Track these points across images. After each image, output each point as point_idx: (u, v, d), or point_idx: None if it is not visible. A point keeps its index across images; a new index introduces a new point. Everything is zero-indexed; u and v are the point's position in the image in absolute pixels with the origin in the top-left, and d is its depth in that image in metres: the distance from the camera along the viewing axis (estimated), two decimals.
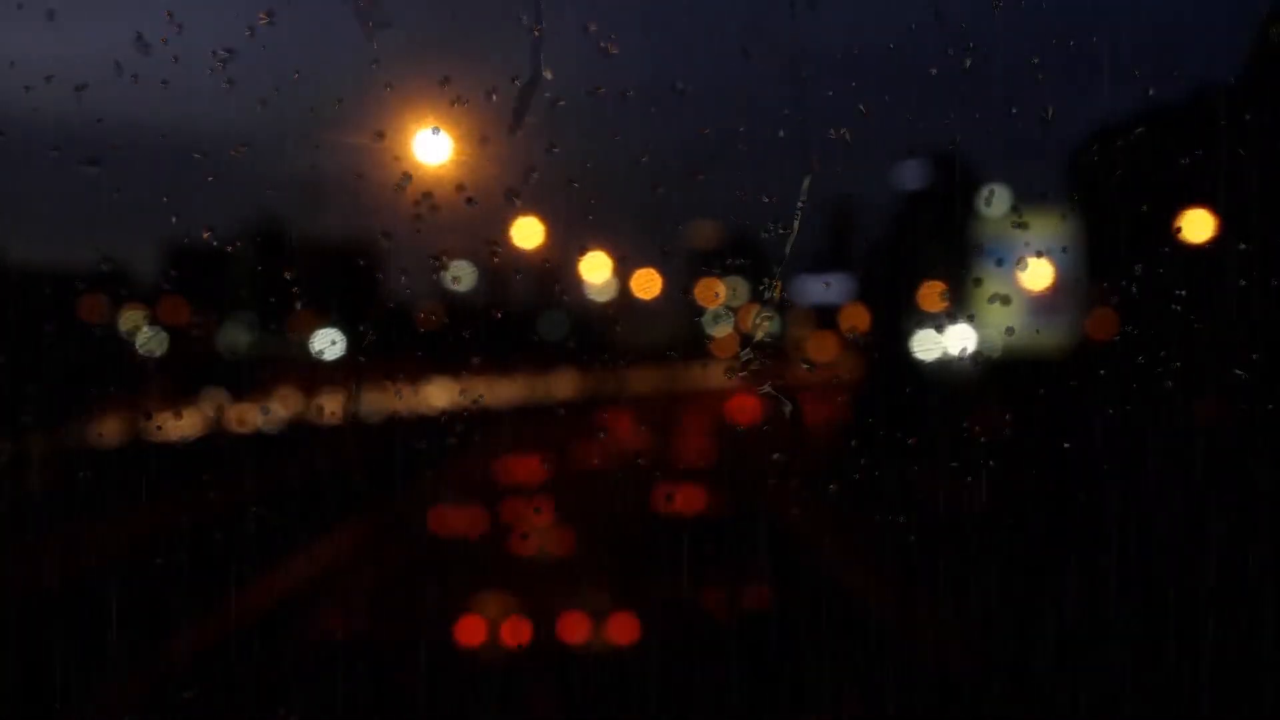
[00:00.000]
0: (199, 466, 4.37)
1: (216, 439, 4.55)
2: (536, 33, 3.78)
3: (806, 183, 4.12)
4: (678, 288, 4.68)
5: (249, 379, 4.91)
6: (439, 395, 5.00)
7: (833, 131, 4.06)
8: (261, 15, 3.76)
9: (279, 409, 4.76)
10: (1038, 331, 4.74)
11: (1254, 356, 4.13)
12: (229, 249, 4.20)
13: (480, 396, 4.41)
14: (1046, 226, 4.57)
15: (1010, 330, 4.34)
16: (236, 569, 3.70)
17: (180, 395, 4.78)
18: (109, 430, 4.85)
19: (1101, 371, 4.33)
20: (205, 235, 4.05)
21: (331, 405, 4.93)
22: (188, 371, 4.69)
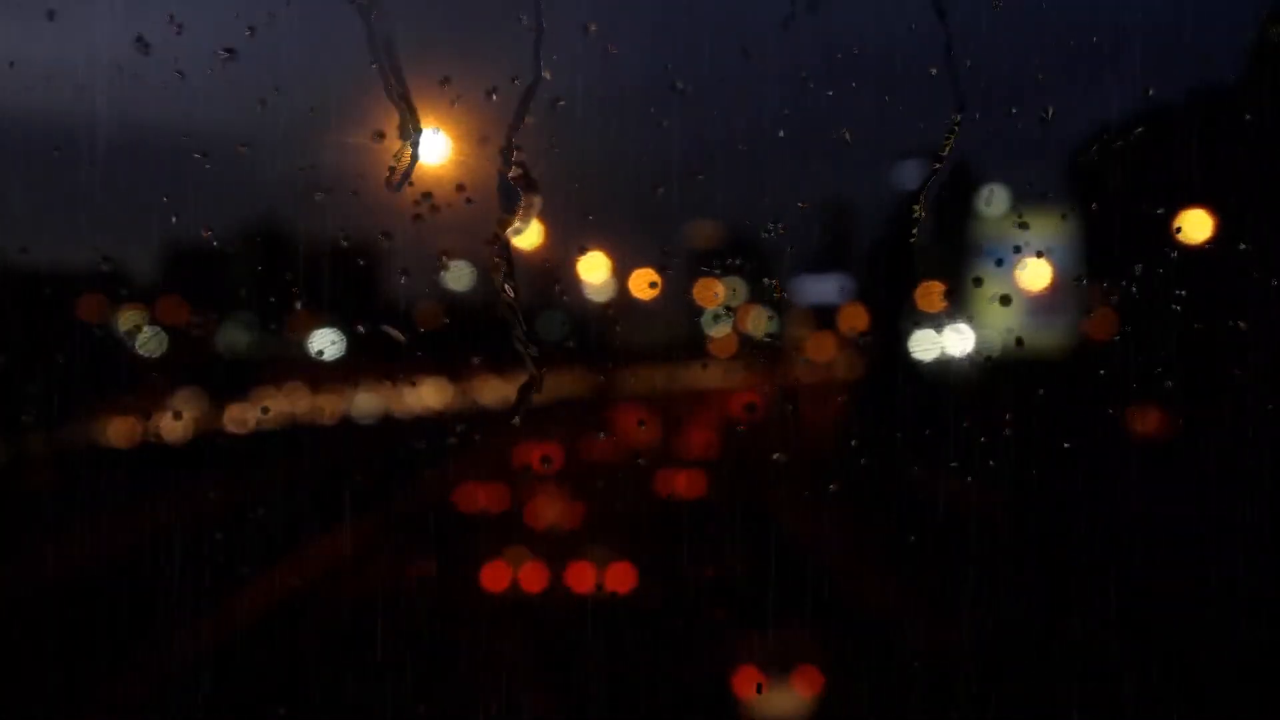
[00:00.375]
0: (202, 465, 4.38)
1: (217, 439, 4.55)
2: (534, 32, 3.78)
3: (806, 183, 4.12)
4: (678, 288, 4.68)
5: (249, 379, 4.92)
6: (440, 395, 5.00)
7: (833, 131, 4.06)
8: (262, 15, 3.77)
9: (279, 408, 4.75)
10: (1037, 331, 4.74)
11: (1254, 356, 4.13)
12: (229, 249, 4.20)
13: (479, 397, 4.41)
14: (1046, 226, 4.57)
15: (1011, 331, 4.34)
16: (260, 555, 3.91)
17: (180, 395, 4.78)
18: (108, 430, 4.85)
19: (1101, 371, 4.33)
20: (205, 235, 4.05)
21: (332, 405, 4.94)
22: (188, 371, 4.69)
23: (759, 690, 3.65)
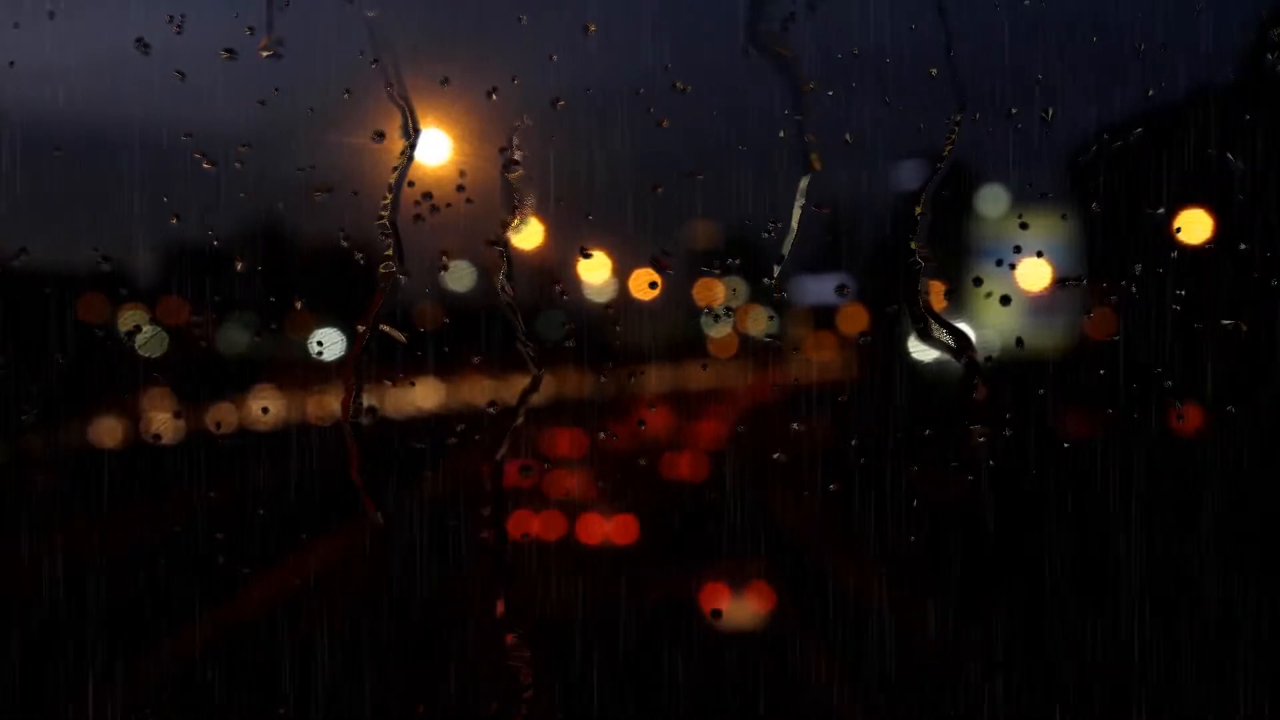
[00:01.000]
0: (202, 465, 4.38)
1: (217, 438, 4.56)
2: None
3: (806, 183, 4.12)
4: (678, 288, 4.69)
5: (249, 379, 4.92)
6: (440, 395, 5.00)
7: (833, 131, 4.07)
8: (262, 15, 3.77)
9: (279, 408, 4.76)
10: (1037, 331, 4.75)
11: (1254, 356, 4.14)
12: (229, 249, 4.20)
13: (479, 397, 4.42)
14: (1046, 226, 4.57)
15: (1011, 331, 4.34)
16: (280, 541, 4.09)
17: (179, 395, 4.78)
18: (108, 430, 4.86)
19: (1101, 371, 4.33)
20: (206, 235, 4.05)
21: (334, 405, 4.95)
22: (188, 371, 4.70)
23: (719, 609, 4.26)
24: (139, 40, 3.73)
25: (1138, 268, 4.21)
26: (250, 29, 3.81)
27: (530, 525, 4.59)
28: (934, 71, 4.00)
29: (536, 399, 4.05)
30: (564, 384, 4.97)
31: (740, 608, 4.61)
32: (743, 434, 5.33)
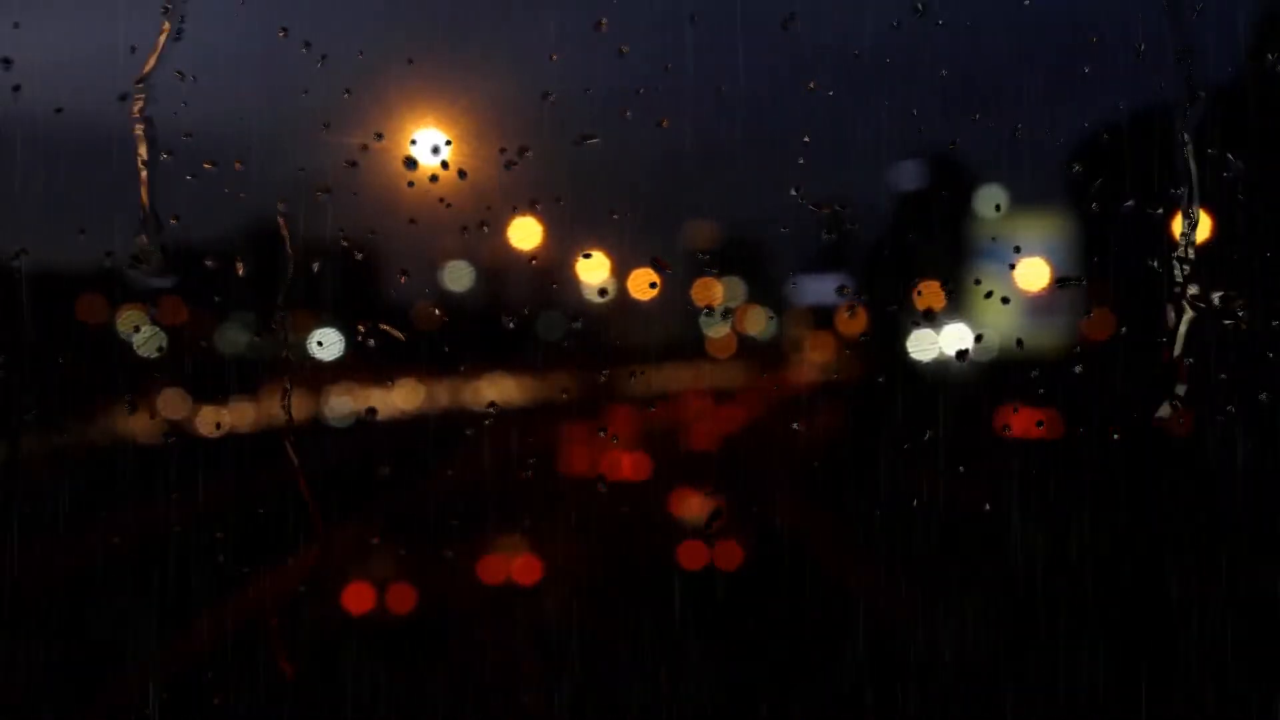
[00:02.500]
0: (202, 464, 4.39)
1: (218, 438, 4.56)
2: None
3: (806, 183, 4.13)
4: (677, 288, 4.70)
5: (249, 378, 4.92)
6: (441, 395, 5.01)
7: (833, 131, 4.08)
8: (262, 15, 3.78)
9: (279, 407, 4.77)
10: (1037, 331, 4.76)
11: (1255, 356, 4.15)
12: (229, 249, 4.21)
13: (477, 398, 4.43)
14: (1045, 226, 4.58)
15: (1011, 331, 4.35)
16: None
17: (179, 395, 4.78)
18: (107, 430, 4.86)
19: (1100, 371, 4.34)
20: (205, 235, 4.05)
21: (337, 403, 4.95)
22: (187, 371, 4.70)
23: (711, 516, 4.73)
24: (140, 42, 3.74)
25: (1138, 268, 4.22)
26: (251, 29, 3.82)
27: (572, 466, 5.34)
28: (943, 72, 4.01)
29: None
30: (564, 382, 4.98)
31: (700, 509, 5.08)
32: (742, 440, 5.54)
